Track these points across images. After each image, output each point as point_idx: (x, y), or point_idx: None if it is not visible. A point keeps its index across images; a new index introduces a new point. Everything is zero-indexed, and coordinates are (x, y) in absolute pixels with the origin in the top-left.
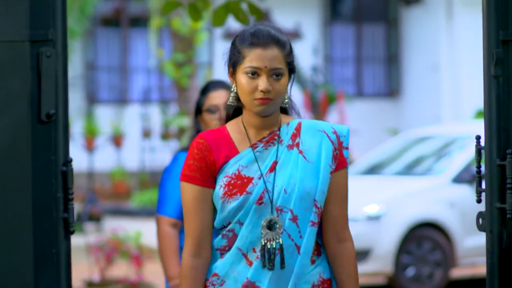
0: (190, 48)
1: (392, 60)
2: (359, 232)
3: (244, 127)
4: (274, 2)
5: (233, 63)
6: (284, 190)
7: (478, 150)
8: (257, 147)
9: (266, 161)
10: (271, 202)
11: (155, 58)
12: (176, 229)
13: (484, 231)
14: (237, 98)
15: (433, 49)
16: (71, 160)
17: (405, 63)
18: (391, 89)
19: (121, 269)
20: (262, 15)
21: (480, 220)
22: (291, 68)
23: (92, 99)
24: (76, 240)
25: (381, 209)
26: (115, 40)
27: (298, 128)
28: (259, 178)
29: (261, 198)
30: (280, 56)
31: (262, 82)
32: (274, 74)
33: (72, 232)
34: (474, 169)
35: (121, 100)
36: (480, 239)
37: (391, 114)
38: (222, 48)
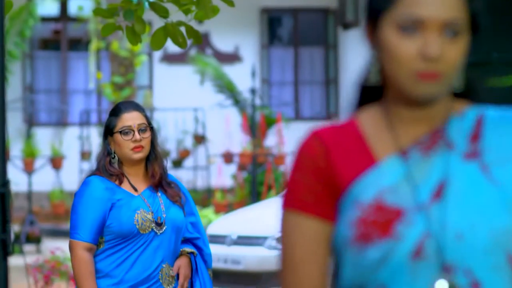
0: (129, 71)
1: (330, 84)
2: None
3: (388, 120)
4: (212, 25)
5: (375, 12)
6: (460, 234)
7: None
8: (410, 154)
9: (427, 180)
10: (438, 255)
11: (94, 81)
12: (91, 253)
13: None
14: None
15: None
16: (8, 182)
17: (343, 86)
18: (329, 112)
19: None
20: (201, 38)
21: None
22: (475, 24)
23: (31, 122)
24: (15, 261)
25: None
26: (54, 63)
27: (479, 124)
28: (417, 211)
29: (420, 248)
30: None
31: (430, 43)
32: (449, 30)
33: (10, 254)
34: None
35: (61, 122)
36: None
37: None
38: (161, 71)
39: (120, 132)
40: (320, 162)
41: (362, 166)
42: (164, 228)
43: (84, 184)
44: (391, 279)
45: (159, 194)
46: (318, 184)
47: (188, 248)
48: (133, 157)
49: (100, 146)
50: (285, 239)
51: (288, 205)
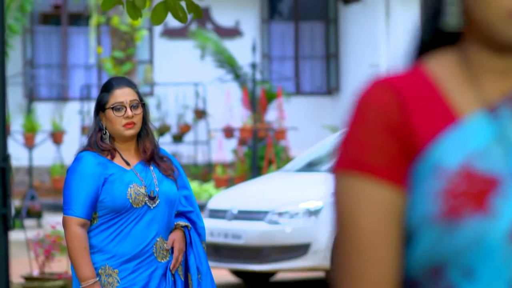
0: (130, 46)
1: (331, 58)
2: (297, 227)
3: (469, 70)
4: (213, 0)
5: None
6: None
7: None
8: (500, 111)
9: None
10: None
11: (94, 56)
12: (85, 229)
13: None
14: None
15: (372, 47)
16: (9, 156)
17: (343, 61)
18: (330, 87)
19: (61, 264)
20: (202, 13)
21: None
22: None
23: (31, 96)
24: (16, 236)
25: (319, 204)
26: (54, 37)
27: None
28: None
29: None
30: None
31: None
32: None
33: (11, 228)
34: None
35: (61, 97)
36: None
37: (330, 112)
38: (161, 46)
39: (112, 108)
40: (394, 116)
41: (441, 124)
42: (157, 202)
43: (76, 160)
44: (481, 262)
45: (152, 168)
46: (391, 143)
47: (182, 222)
48: (125, 133)
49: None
50: (344, 211)
51: (350, 166)
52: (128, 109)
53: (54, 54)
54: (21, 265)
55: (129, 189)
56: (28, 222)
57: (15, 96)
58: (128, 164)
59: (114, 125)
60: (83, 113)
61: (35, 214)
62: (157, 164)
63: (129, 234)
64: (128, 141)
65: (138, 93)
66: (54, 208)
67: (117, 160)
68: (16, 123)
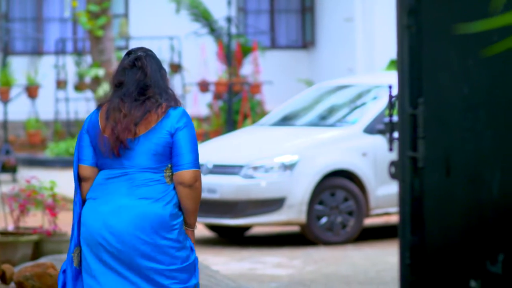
0: None
1: (306, 12)
2: (272, 181)
3: None
4: None
5: None
6: None
7: (390, 99)
8: None
9: None
10: None
11: (70, 9)
12: None
13: (396, 179)
14: None
15: (346, 1)
16: None
17: (319, 15)
18: (305, 40)
19: (36, 219)
20: None
21: (392, 169)
22: None
23: (6, 50)
24: None
25: (294, 158)
26: None
27: None
28: None
29: None
30: None
31: None
32: None
33: None
34: (387, 119)
35: (36, 51)
36: (393, 189)
37: (305, 66)
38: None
39: None
40: None
41: None
42: None
43: (188, 115)
44: None
45: None
46: None
47: None
48: None
49: (76, 75)
50: None
51: None
52: None
53: (28, 8)
54: None
55: None
56: (3, 177)
57: None
58: None
59: None
60: (58, 67)
61: (10, 169)
62: None
63: None
64: None
65: None
66: (29, 163)
67: None
68: None
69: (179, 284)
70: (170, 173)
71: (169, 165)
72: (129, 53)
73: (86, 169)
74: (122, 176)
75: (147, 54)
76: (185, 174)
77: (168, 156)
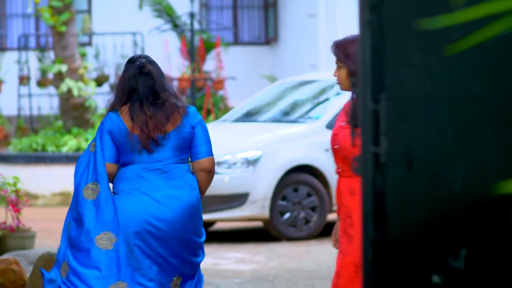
0: None
1: (269, 8)
2: (235, 176)
3: None
4: None
5: None
6: None
7: (352, 95)
8: None
9: None
10: None
11: (32, 5)
12: None
13: (359, 174)
14: None
15: None
16: None
17: (282, 11)
18: (268, 36)
19: None
20: None
21: (355, 164)
22: None
23: None
24: None
25: (257, 154)
26: None
27: None
28: None
29: None
30: None
31: None
32: None
33: None
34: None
35: None
36: None
37: (268, 62)
38: None
39: None
40: None
41: None
42: None
43: (196, 111)
44: None
45: None
46: None
47: None
48: None
49: (39, 70)
50: None
51: None
52: None
53: None
54: None
55: None
56: None
57: None
58: None
59: None
60: (21, 62)
61: None
62: None
63: None
64: None
65: None
66: None
67: None
68: None
69: (203, 255)
70: (190, 163)
71: (189, 156)
72: (132, 61)
73: (112, 167)
74: (155, 170)
75: (149, 61)
76: (205, 161)
77: (188, 148)
